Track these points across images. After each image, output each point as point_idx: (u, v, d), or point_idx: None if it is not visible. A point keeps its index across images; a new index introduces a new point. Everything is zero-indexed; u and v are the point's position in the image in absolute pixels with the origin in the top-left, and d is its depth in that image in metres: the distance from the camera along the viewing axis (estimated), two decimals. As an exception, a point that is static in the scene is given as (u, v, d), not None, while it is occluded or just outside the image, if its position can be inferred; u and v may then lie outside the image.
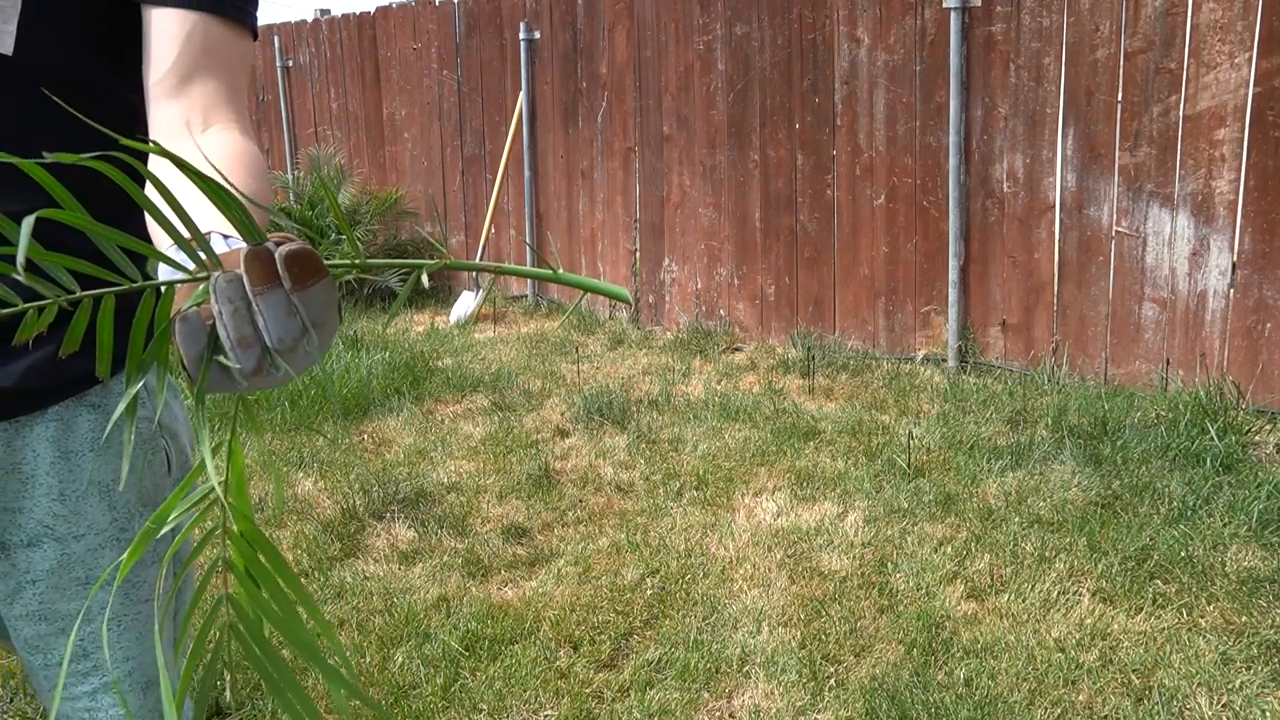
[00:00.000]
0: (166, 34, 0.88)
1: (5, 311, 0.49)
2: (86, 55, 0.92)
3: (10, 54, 0.87)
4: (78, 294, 0.51)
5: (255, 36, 0.96)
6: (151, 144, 0.50)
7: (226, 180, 0.52)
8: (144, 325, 0.53)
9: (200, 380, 0.53)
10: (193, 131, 0.86)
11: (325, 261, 0.54)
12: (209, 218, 0.70)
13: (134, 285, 0.52)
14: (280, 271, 0.52)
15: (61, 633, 0.97)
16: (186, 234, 0.53)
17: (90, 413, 0.96)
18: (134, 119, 0.91)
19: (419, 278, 0.57)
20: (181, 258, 0.54)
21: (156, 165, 0.82)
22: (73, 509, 0.95)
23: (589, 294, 4.90)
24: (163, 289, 0.54)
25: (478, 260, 6.07)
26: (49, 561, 0.95)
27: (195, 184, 0.50)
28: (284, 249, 0.52)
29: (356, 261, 0.56)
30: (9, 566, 0.95)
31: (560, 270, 0.60)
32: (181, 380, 0.55)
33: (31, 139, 0.90)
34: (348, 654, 2.30)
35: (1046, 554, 2.64)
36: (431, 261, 0.58)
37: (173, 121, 0.86)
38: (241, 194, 0.51)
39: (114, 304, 0.53)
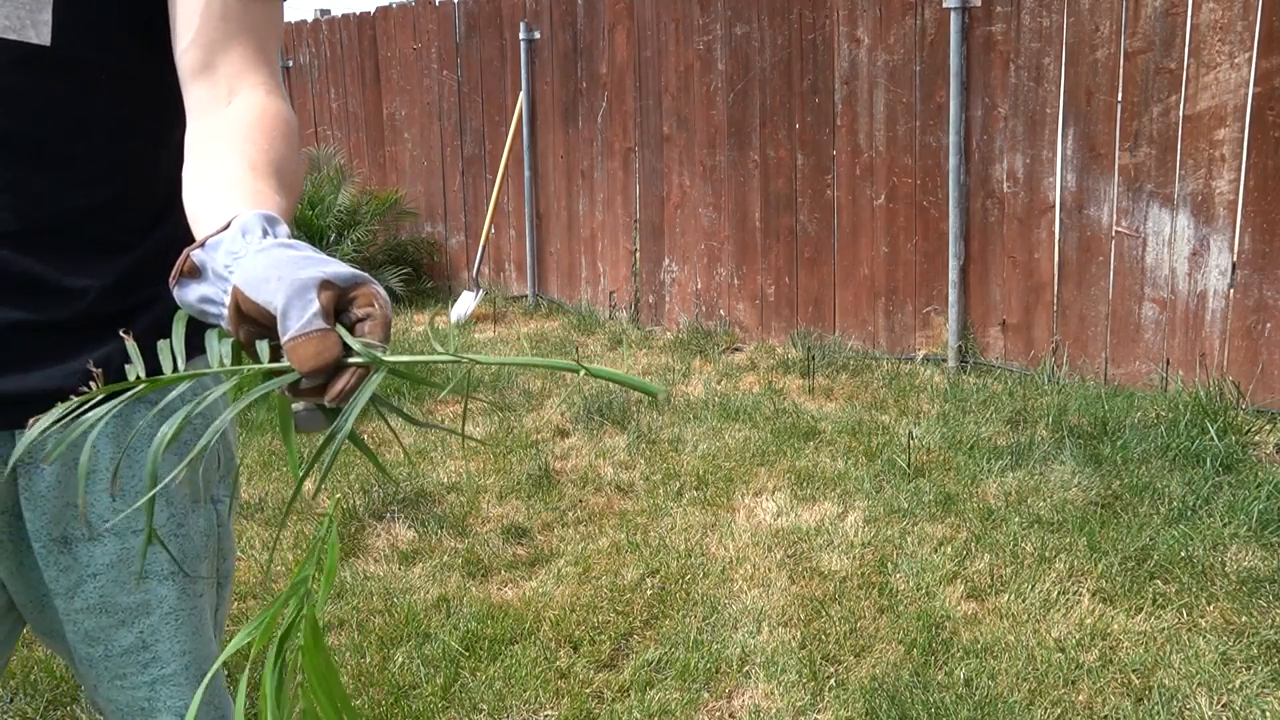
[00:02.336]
0: (187, 6, 0.88)
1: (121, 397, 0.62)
2: (124, 41, 0.92)
3: (48, 44, 0.87)
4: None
5: None
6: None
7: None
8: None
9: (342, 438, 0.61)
10: (219, 107, 0.86)
11: (350, 360, 0.60)
12: (233, 209, 0.71)
13: (233, 412, 0.62)
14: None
15: (121, 624, 0.99)
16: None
17: (148, 409, 0.97)
18: (175, 102, 0.92)
19: (464, 389, 0.63)
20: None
21: (190, 169, 0.83)
22: (131, 504, 0.97)
23: (591, 297, 4.85)
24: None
25: (477, 257, 6.08)
26: (109, 556, 0.97)
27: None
28: (319, 413, 0.63)
29: (379, 360, 0.60)
30: (71, 560, 0.96)
31: (588, 364, 0.63)
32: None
33: (85, 130, 0.91)
34: (347, 654, 2.30)
35: (1046, 554, 2.64)
36: (455, 355, 0.61)
37: (202, 100, 0.87)
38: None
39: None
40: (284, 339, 0.59)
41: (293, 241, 0.66)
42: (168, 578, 1.00)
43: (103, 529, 0.96)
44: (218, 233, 0.68)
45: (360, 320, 0.62)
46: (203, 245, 0.67)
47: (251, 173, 0.77)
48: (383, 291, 0.63)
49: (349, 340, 0.60)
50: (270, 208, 0.73)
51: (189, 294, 0.67)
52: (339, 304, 0.62)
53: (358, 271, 0.63)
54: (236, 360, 0.66)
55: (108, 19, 0.90)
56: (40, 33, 0.86)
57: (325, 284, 0.61)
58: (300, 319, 0.59)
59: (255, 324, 0.63)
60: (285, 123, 0.86)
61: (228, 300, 0.64)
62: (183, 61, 0.88)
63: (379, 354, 0.60)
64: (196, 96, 0.87)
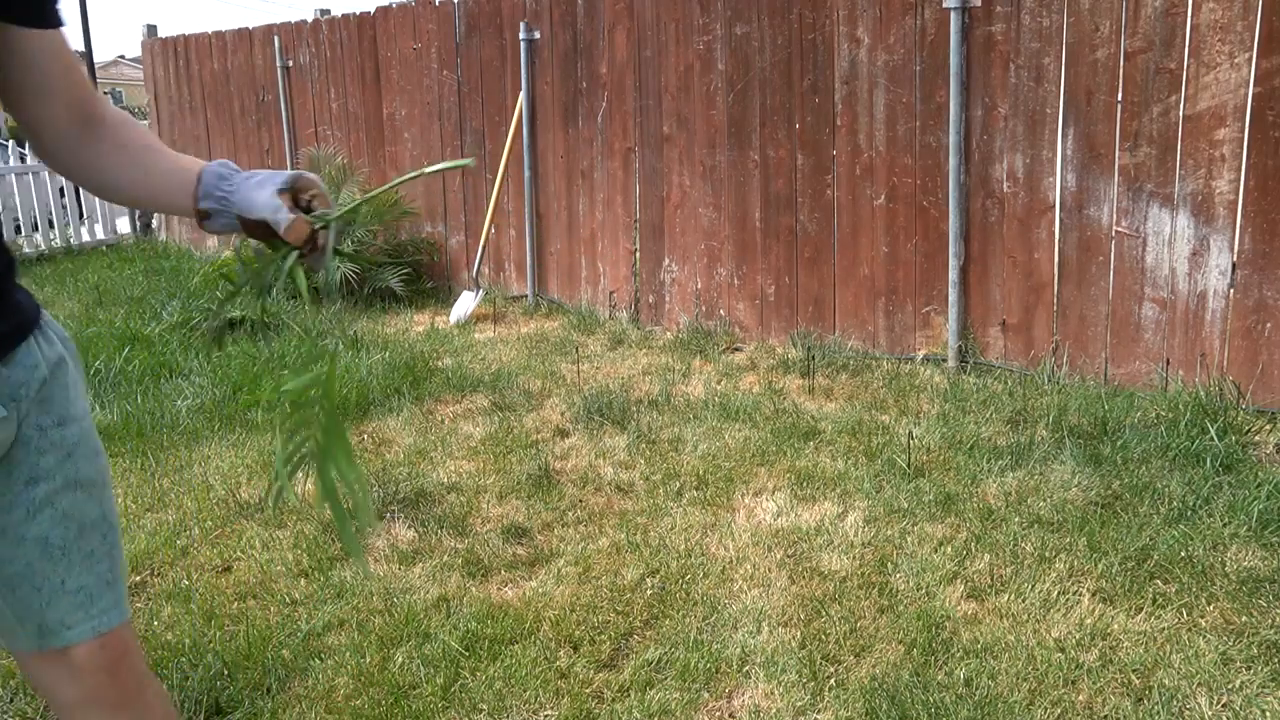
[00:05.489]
0: (45, 73, 1.13)
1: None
2: None
3: None
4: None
5: (60, 24, 1.16)
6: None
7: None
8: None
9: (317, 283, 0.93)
10: (106, 121, 1.19)
11: (316, 225, 1.20)
12: (190, 169, 1.27)
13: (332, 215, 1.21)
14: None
15: (89, 497, 1.20)
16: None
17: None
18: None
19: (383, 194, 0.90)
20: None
21: (129, 159, 1.21)
22: (81, 404, 1.24)
23: (591, 297, 4.88)
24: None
25: (477, 257, 6.08)
26: (75, 436, 1.20)
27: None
28: (323, 239, 1.22)
29: (329, 218, 1.22)
30: (49, 443, 1.17)
31: (410, 172, 0.92)
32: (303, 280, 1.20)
33: None
34: (347, 655, 2.30)
35: (1046, 554, 2.64)
36: (379, 188, 0.88)
37: (87, 122, 1.19)
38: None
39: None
40: (279, 231, 1.16)
41: (250, 171, 1.20)
42: (100, 453, 1.24)
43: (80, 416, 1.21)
44: (197, 186, 1.18)
45: (311, 199, 1.20)
46: (198, 199, 1.19)
47: (183, 156, 1.22)
48: (314, 175, 1.19)
49: (310, 217, 1.19)
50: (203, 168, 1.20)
51: (215, 227, 1.19)
52: (295, 196, 1.19)
53: (294, 172, 1.18)
54: (262, 255, 1.22)
55: None
56: None
57: (281, 191, 1.16)
58: (281, 218, 1.16)
59: (258, 229, 1.18)
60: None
61: (238, 223, 1.18)
62: (54, 112, 1.15)
63: (328, 215, 1.21)
64: (82, 125, 1.18)
